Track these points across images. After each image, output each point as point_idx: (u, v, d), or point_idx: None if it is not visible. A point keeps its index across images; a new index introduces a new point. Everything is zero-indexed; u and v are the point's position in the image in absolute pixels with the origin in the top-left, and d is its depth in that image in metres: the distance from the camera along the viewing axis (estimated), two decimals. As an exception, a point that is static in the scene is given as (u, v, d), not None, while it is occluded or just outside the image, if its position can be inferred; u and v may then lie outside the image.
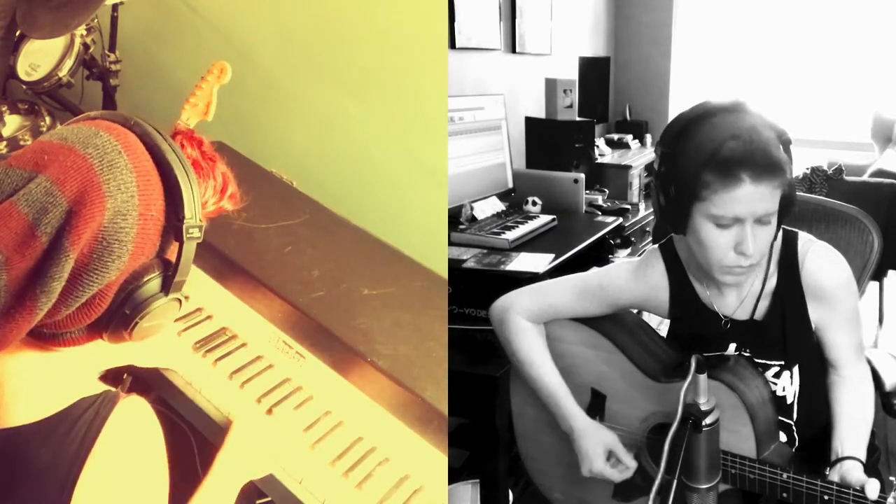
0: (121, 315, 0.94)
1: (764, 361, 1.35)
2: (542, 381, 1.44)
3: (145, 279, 0.93)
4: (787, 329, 1.33)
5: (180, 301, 1.00)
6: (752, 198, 1.16)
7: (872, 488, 1.14)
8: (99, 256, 0.88)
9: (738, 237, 1.19)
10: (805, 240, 1.32)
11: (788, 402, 1.36)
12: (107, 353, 1.04)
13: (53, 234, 0.86)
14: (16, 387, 0.94)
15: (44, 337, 0.93)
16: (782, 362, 1.35)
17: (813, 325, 1.33)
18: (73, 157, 0.89)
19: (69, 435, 0.93)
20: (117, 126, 0.95)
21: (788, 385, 1.35)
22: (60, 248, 0.86)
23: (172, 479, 1.04)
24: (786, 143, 1.21)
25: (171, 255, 0.97)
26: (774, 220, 1.21)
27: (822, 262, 1.30)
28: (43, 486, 0.92)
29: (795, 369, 1.35)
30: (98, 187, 0.88)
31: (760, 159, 1.15)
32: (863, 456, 1.25)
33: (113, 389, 0.99)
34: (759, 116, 1.21)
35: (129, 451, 0.96)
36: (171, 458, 1.02)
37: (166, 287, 0.96)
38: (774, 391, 1.34)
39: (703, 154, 1.17)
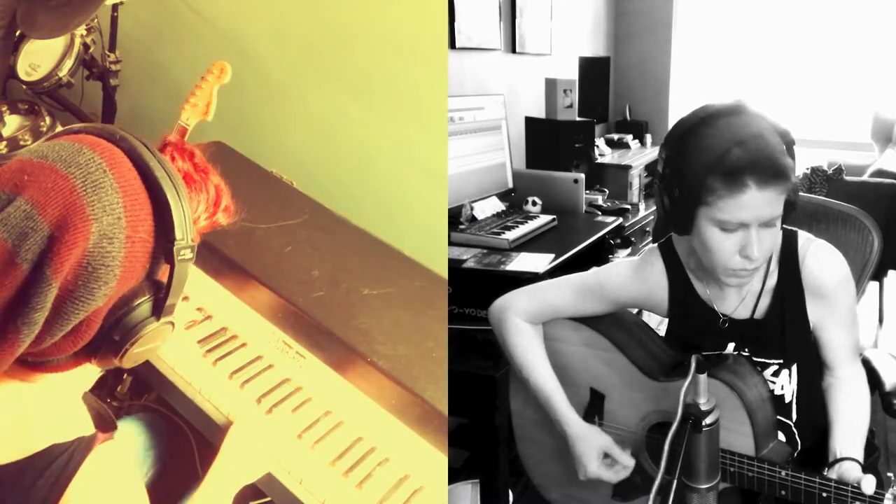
0: (110, 341, 0.88)
1: (762, 360, 1.35)
2: (537, 384, 1.44)
3: (135, 303, 0.88)
4: (786, 327, 1.33)
5: (173, 324, 0.94)
6: (758, 203, 1.16)
7: (868, 483, 1.15)
8: (84, 283, 0.82)
9: (743, 241, 1.19)
10: (805, 238, 1.32)
11: (786, 400, 1.36)
12: (91, 378, 0.98)
13: (35, 260, 0.79)
14: None
15: (27, 364, 0.87)
16: (781, 360, 1.35)
17: (811, 324, 1.33)
18: (54, 178, 0.82)
19: (36, 484, 0.86)
20: (102, 141, 0.88)
21: (787, 384, 1.35)
22: (42, 276, 0.79)
23: (172, 479, 1.03)
24: (789, 145, 1.21)
25: (163, 276, 0.90)
26: (779, 223, 1.22)
27: (822, 260, 1.31)
28: None
29: (794, 368, 1.35)
30: (82, 210, 0.81)
31: (766, 166, 1.15)
32: (860, 457, 1.25)
33: (89, 434, 0.92)
34: (761, 119, 1.20)
35: (103, 501, 0.90)
36: (170, 459, 1.01)
37: (157, 311, 0.90)
38: (773, 390, 1.34)
39: (709, 159, 1.16)
